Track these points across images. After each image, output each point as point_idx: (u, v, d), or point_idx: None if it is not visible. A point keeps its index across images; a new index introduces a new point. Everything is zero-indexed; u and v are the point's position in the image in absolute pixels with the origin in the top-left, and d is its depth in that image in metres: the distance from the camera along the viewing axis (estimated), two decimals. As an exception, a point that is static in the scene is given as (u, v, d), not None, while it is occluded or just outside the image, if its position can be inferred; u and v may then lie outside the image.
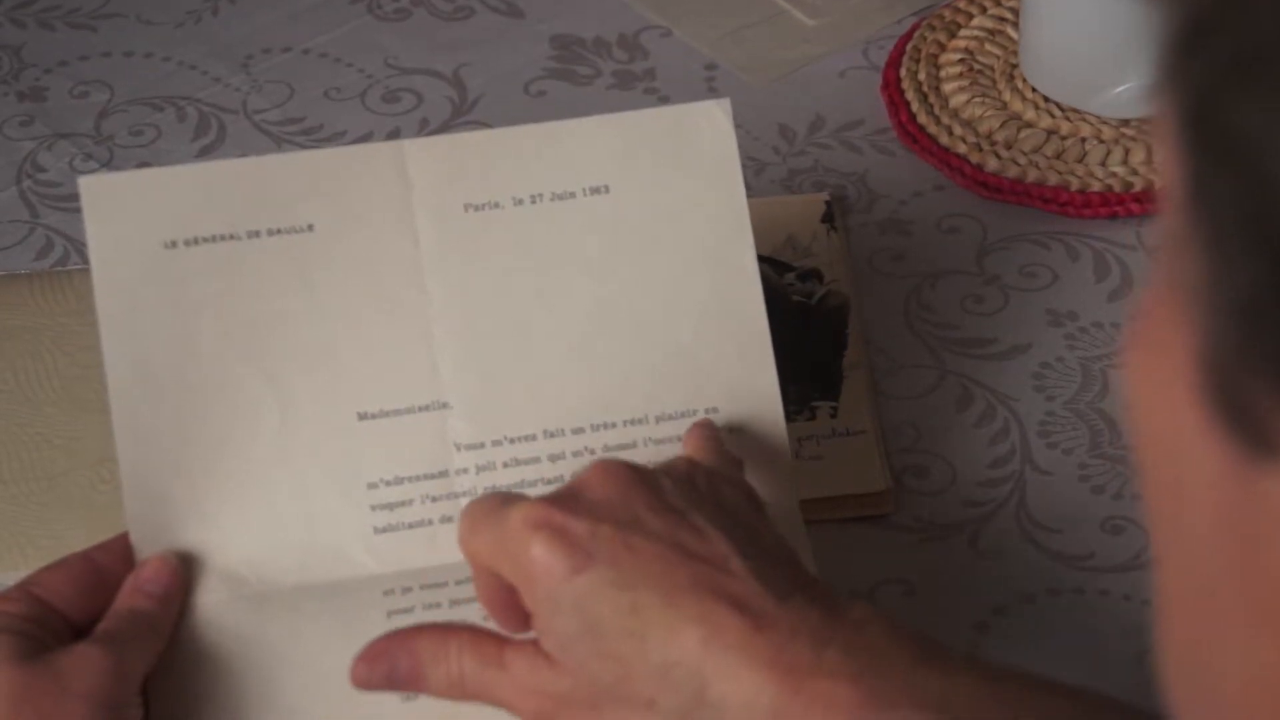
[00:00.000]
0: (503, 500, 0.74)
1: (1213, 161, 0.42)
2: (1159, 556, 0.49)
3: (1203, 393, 0.43)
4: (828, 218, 1.02)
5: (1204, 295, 0.43)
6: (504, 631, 0.75)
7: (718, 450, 0.80)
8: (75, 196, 0.84)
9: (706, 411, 0.84)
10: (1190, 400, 0.44)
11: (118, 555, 0.80)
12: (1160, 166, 0.45)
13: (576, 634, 0.71)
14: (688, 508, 0.73)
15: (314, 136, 1.11)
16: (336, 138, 1.10)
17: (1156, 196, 0.47)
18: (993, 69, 1.13)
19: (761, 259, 0.87)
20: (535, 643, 0.73)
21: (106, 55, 1.17)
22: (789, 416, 0.85)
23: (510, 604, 0.74)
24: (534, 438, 0.83)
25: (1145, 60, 1.10)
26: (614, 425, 0.84)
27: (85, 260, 0.99)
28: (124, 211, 0.82)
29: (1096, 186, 1.05)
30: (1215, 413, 0.43)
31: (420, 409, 0.83)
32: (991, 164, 1.06)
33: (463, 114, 1.12)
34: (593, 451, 0.83)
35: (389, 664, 0.74)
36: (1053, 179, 1.05)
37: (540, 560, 0.71)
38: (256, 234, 0.83)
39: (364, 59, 1.16)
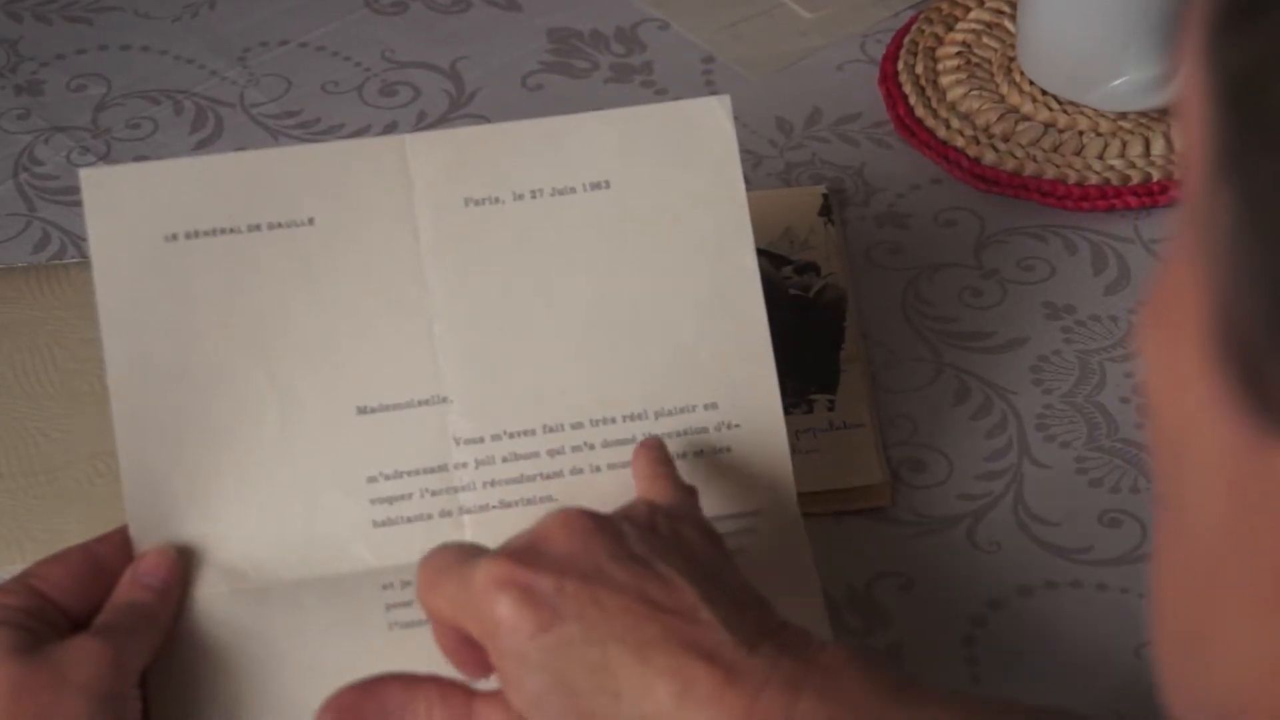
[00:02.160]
0: (462, 555, 0.72)
1: (1255, 136, 0.42)
2: (1164, 541, 0.49)
3: (1221, 368, 0.44)
4: (825, 211, 1.02)
5: (1232, 267, 0.43)
6: (466, 678, 0.74)
7: (672, 484, 0.79)
8: (72, 190, 0.84)
9: (706, 407, 0.84)
10: (1205, 378, 0.44)
11: (116, 548, 0.80)
12: (1182, 139, 0.45)
13: (547, 691, 0.70)
14: (651, 555, 0.72)
15: (311, 130, 1.11)
16: (334, 131, 1.10)
17: (1175, 173, 0.47)
18: (990, 62, 1.13)
19: (759, 252, 0.87)
20: (503, 697, 0.72)
21: (103, 49, 1.17)
22: (786, 410, 0.85)
23: (472, 656, 0.73)
24: (533, 433, 0.83)
25: (1143, 54, 1.10)
26: (613, 420, 0.84)
27: (82, 253, 0.99)
28: (125, 204, 0.82)
29: (1094, 180, 1.05)
30: (1233, 388, 0.43)
31: (420, 403, 0.83)
32: (989, 157, 1.07)
33: (460, 107, 1.12)
34: (592, 447, 0.83)
35: (355, 717, 0.73)
36: (1050, 172, 1.06)
37: (507, 619, 0.70)
38: (257, 227, 0.83)
39: (361, 52, 1.16)
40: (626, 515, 0.74)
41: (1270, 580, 0.44)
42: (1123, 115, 1.09)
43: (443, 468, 0.83)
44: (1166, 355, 0.46)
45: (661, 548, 0.73)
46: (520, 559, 0.71)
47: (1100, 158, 1.07)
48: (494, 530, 0.82)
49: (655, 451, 0.81)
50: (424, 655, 0.77)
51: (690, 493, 0.79)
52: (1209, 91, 0.43)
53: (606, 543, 0.72)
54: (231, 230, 0.83)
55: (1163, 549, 0.49)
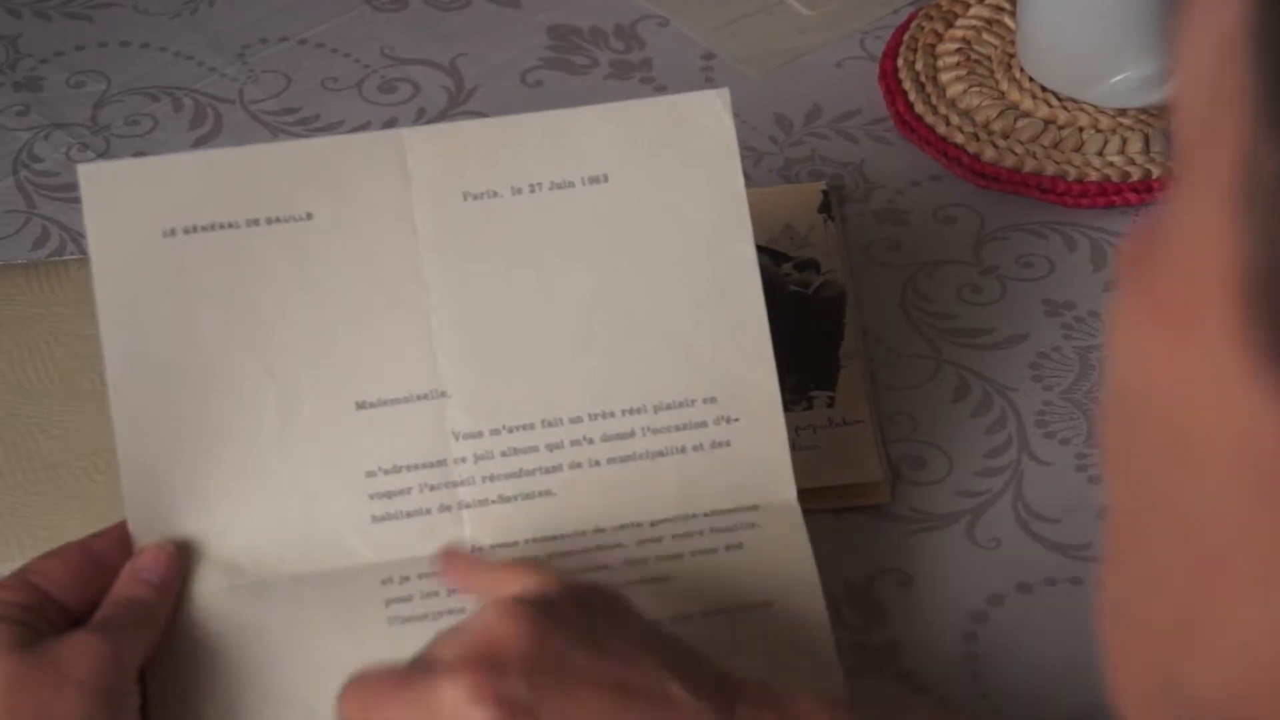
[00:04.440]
0: (403, 675, 0.70)
1: None
2: (1137, 528, 0.48)
3: (1254, 333, 0.43)
4: (825, 207, 1.02)
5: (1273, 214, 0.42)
6: None
7: (532, 567, 0.76)
8: (72, 186, 0.84)
9: (705, 401, 0.84)
10: (1226, 350, 0.43)
11: (115, 544, 0.80)
12: (1208, 105, 0.44)
13: None
14: (599, 634, 0.70)
15: (310, 126, 1.11)
16: (333, 128, 1.10)
17: (1190, 145, 0.46)
18: (990, 58, 1.13)
19: (759, 249, 0.87)
20: None
21: (103, 45, 1.17)
22: (786, 406, 0.85)
23: None
24: (532, 427, 0.83)
25: (1142, 50, 1.10)
26: (612, 414, 0.84)
27: (82, 250, 0.99)
28: (123, 200, 0.82)
29: (1094, 176, 1.05)
30: (1267, 357, 0.42)
31: (419, 398, 0.83)
32: (989, 153, 1.06)
33: (459, 104, 1.12)
34: (590, 441, 0.83)
35: None
36: (1050, 168, 1.05)
37: None
38: (255, 223, 0.83)
39: (360, 49, 1.16)
40: (551, 599, 0.72)
41: None
42: (1122, 111, 1.08)
43: (442, 462, 0.83)
44: (1171, 330, 0.46)
45: (602, 623, 0.71)
46: (483, 669, 0.68)
47: (1100, 154, 1.07)
48: (493, 525, 0.82)
49: (473, 558, 0.79)
50: (423, 650, 0.77)
51: (547, 568, 0.77)
52: (1261, 56, 0.42)
53: (557, 629, 0.70)
54: (230, 225, 0.83)
55: (1137, 542, 0.49)
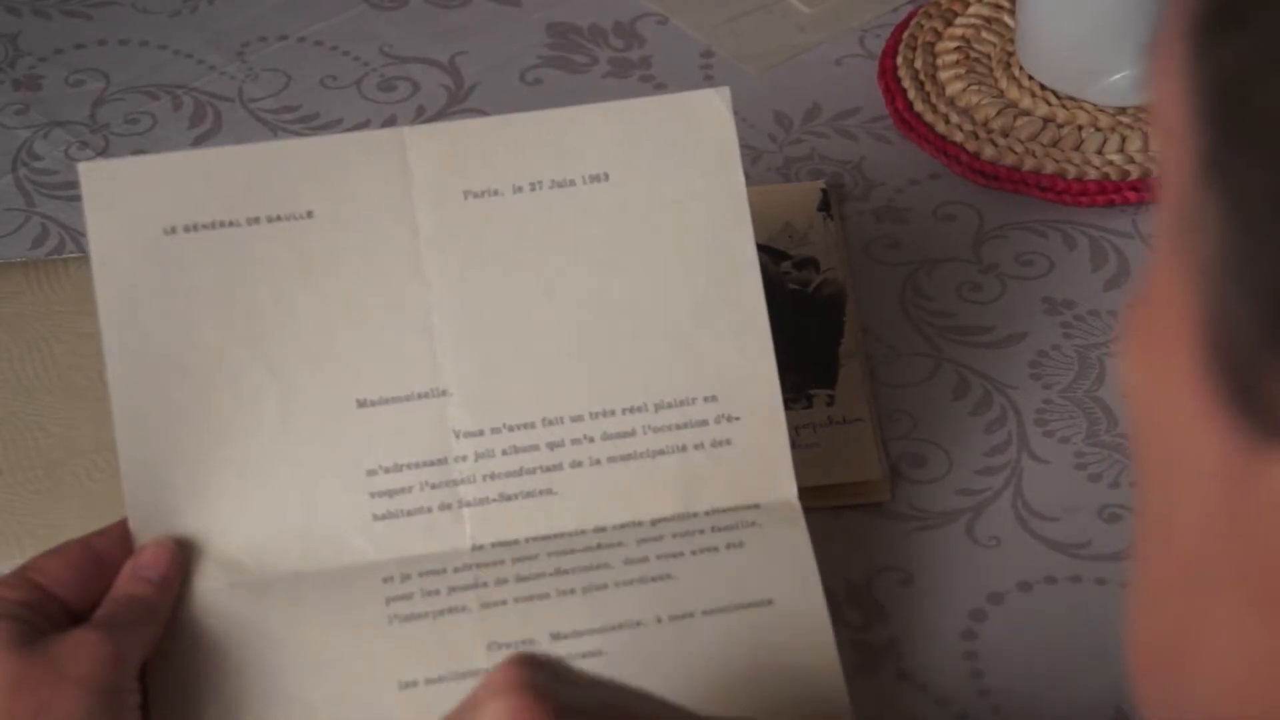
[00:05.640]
0: None
1: (1240, 145, 0.41)
2: (1144, 542, 0.49)
3: (1210, 377, 0.43)
4: (824, 206, 1.02)
5: (1221, 277, 0.42)
6: None
7: (550, 662, 0.71)
8: (71, 184, 0.84)
9: (705, 400, 0.84)
10: (1193, 386, 0.44)
11: (116, 541, 0.80)
12: (1163, 145, 0.45)
13: None
14: (618, 694, 0.67)
15: (310, 124, 1.11)
16: (332, 126, 1.11)
17: (1158, 178, 0.47)
18: (989, 56, 1.13)
19: (758, 247, 0.87)
20: None
21: (102, 43, 1.17)
22: (786, 405, 0.85)
23: None
24: (533, 425, 0.83)
25: (1144, 46, 1.11)
26: (613, 413, 0.84)
27: (81, 248, 0.99)
28: (124, 198, 0.82)
29: (1093, 174, 1.05)
30: (1223, 398, 0.43)
31: (420, 396, 0.83)
32: (988, 152, 1.06)
33: (459, 102, 1.12)
34: (591, 439, 0.83)
35: None
36: (1049, 167, 1.06)
37: None
38: (256, 221, 0.83)
39: (360, 47, 1.16)
40: (554, 672, 0.67)
41: (1257, 583, 0.44)
42: (1122, 110, 1.09)
43: (442, 461, 0.83)
44: (1154, 362, 0.46)
45: (622, 690, 0.68)
46: (516, 688, 0.64)
47: (1099, 152, 1.07)
48: (493, 523, 0.82)
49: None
50: (423, 648, 0.77)
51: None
52: (1192, 100, 0.43)
53: (563, 686, 0.65)
54: (231, 223, 0.83)
55: (1144, 556, 0.49)
